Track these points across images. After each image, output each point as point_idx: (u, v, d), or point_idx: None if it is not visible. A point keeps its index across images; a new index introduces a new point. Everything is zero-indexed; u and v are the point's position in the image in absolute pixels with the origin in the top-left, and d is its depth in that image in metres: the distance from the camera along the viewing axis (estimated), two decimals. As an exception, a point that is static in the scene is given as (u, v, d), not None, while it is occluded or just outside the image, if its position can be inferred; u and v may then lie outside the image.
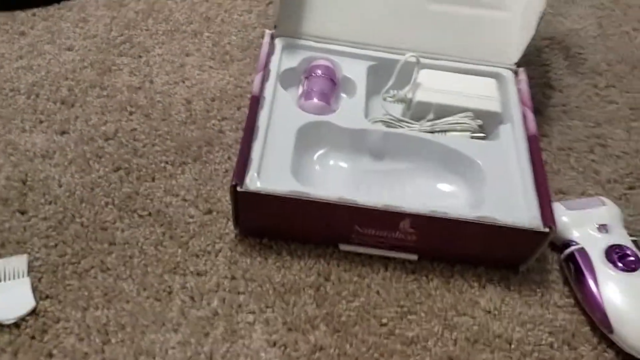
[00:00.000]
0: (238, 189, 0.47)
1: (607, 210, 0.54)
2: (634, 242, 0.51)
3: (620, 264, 0.49)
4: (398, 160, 0.55)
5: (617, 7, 0.82)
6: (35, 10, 0.69)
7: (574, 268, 0.50)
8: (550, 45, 0.75)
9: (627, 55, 0.75)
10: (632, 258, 0.49)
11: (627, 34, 0.78)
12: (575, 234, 0.52)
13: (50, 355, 0.44)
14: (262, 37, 0.68)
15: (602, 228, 0.52)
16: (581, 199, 0.57)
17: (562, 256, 0.52)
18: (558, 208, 0.53)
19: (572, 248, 0.51)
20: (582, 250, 0.50)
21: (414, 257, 0.51)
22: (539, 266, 0.53)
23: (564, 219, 0.53)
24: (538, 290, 0.51)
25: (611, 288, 0.48)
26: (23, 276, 0.47)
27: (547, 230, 0.47)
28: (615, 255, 0.50)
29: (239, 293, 0.48)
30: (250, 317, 0.47)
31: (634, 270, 0.49)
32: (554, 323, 0.49)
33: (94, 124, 0.58)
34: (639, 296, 0.47)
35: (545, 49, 0.74)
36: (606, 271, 0.49)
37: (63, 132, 0.57)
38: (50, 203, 0.52)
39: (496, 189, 0.50)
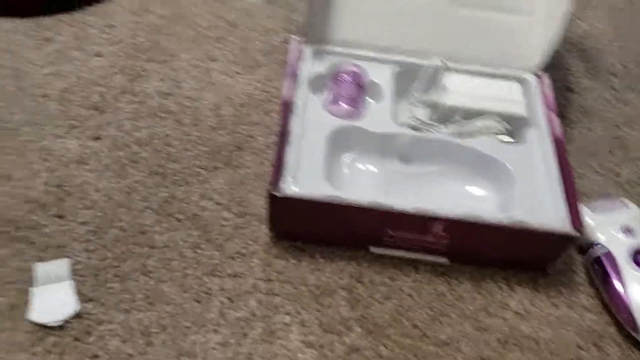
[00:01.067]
0: (275, 193, 0.48)
1: (630, 213, 0.55)
2: None
3: None
4: (426, 164, 0.56)
5: (632, 9, 0.83)
6: (60, 16, 0.70)
7: (601, 270, 0.52)
8: (568, 48, 0.76)
9: (643, 57, 0.76)
10: None
11: (643, 36, 0.79)
12: (600, 237, 0.53)
13: (96, 356, 0.45)
14: (286, 42, 0.70)
15: (627, 230, 0.53)
16: (605, 201, 0.58)
17: (588, 258, 0.53)
18: (582, 210, 0.55)
19: (598, 250, 0.52)
20: (607, 253, 0.52)
21: (445, 260, 0.53)
22: (565, 268, 0.54)
23: (589, 221, 0.54)
24: (565, 291, 0.53)
25: (637, 289, 0.49)
26: (66, 279, 0.48)
27: (575, 233, 0.49)
28: None
29: (274, 295, 0.50)
30: (287, 319, 0.48)
31: None
32: (580, 323, 0.51)
33: (127, 129, 0.59)
34: None
35: (563, 52, 0.76)
36: (632, 273, 0.50)
37: (96, 138, 0.59)
38: (88, 208, 0.53)
39: (525, 192, 0.52)
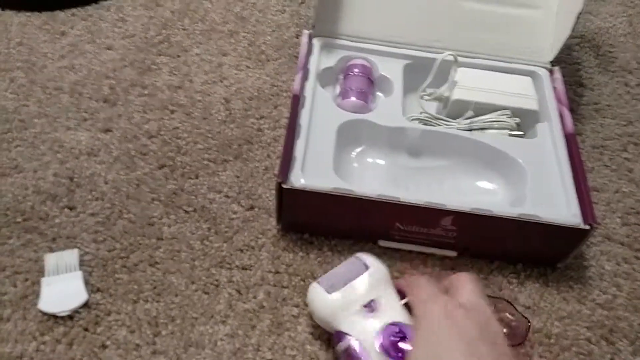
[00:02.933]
0: (283, 185, 0.48)
1: (370, 278, 0.44)
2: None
3: (395, 353, 0.40)
4: (435, 158, 0.56)
5: (647, 5, 0.82)
6: (74, 10, 0.70)
7: None
8: (581, 44, 0.75)
9: (658, 53, 0.75)
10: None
11: (658, 32, 0.78)
12: (343, 323, 0.42)
13: (104, 346, 0.45)
14: (296, 36, 0.70)
15: (369, 307, 0.43)
16: (341, 265, 0.47)
17: (338, 352, 0.43)
18: (317, 290, 0.45)
19: (346, 341, 0.42)
20: (356, 343, 0.41)
21: (454, 253, 0.52)
22: (576, 263, 0.53)
23: (333, 297, 0.43)
24: (575, 286, 0.52)
25: None
26: (75, 270, 0.49)
27: (587, 227, 0.48)
28: (390, 340, 0.40)
29: (283, 287, 0.50)
30: (295, 311, 0.48)
31: None
32: (591, 318, 0.50)
33: (136, 122, 0.60)
34: None
35: (576, 47, 0.75)
36: None
37: (107, 130, 0.59)
38: (97, 199, 0.54)
39: (536, 187, 0.51)
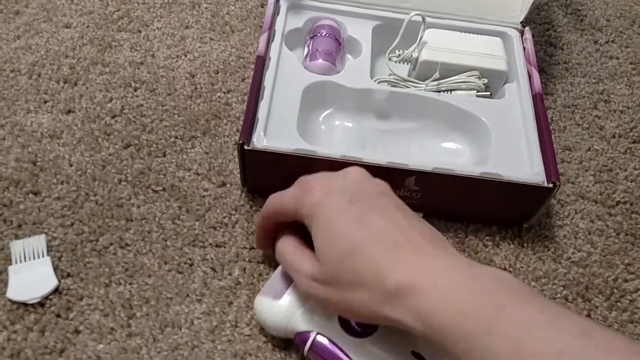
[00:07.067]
0: (245, 147, 0.47)
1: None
2: None
3: (357, 328, 0.41)
4: (403, 120, 0.55)
5: (614, -39, 0.81)
6: (27, -12, 0.67)
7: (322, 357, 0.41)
8: (550, 3, 0.75)
9: (626, 10, 0.75)
10: None
11: (626, -12, 0.77)
12: (300, 322, 0.41)
13: (77, 331, 0.44)
14: (262, 5, 0.68)
15: None
16: (277, 269, 0.45)
17: (306, 352, 0.41)
18: (264, 301, 0.43)
19: (311, 339, 0.41)
20: (321, 336, 0.41)
21: (420, 214, 0.52)
22: (550, 222, 0.54)
23: (283, 302, 0.42)
24: (551, 245, 0.52)
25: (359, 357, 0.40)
26: (43, 256, 0.47)
27: (550, 185, 0.48)
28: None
29: (258, 262, 0.49)
30: (272, 285, 0.48)
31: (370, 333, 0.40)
32: (567, 277, 0.51)
33: (99, 101, 0.58)
34: None
35: (545, 6, 0.74)
36: (351, 344, 0.40)
37: (69, 111, 0.57)
38: (62, 183, 0.52)
39: (501, 147, 0.51)
